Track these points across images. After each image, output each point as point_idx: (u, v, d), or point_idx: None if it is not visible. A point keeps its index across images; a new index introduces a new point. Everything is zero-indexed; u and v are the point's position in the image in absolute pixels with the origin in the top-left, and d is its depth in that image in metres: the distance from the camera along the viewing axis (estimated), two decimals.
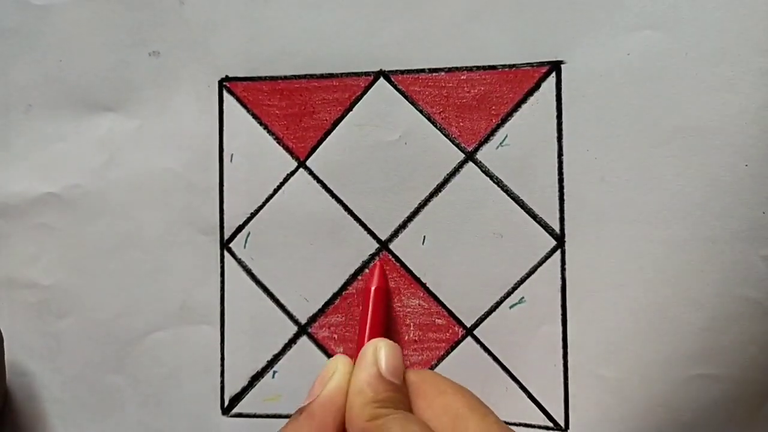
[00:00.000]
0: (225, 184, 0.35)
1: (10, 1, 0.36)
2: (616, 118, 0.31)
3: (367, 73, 0.34)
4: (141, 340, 0.35)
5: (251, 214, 0.35)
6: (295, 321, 0.34)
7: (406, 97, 0.33)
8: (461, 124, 0.33)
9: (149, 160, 0.35)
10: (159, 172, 0.35)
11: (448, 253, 0.33)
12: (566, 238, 0.32)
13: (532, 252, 0.32)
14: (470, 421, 0.28)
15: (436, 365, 0.33)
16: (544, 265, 0.32)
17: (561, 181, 0.32)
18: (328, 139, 0.34)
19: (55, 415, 0.36)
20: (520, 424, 0.32)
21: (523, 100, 0.32)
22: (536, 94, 0.32)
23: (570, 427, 0.32)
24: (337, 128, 0.34)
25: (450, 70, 0.33)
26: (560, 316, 0.32)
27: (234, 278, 0.35)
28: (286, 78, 0.34)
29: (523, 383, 0.32)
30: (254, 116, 0.35)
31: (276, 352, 0.34)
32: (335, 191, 0.34)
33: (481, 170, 0.33)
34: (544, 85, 0.32)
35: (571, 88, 0.32)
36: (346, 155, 0.34)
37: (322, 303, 0.34)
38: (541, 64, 0.32)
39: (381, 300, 0.32)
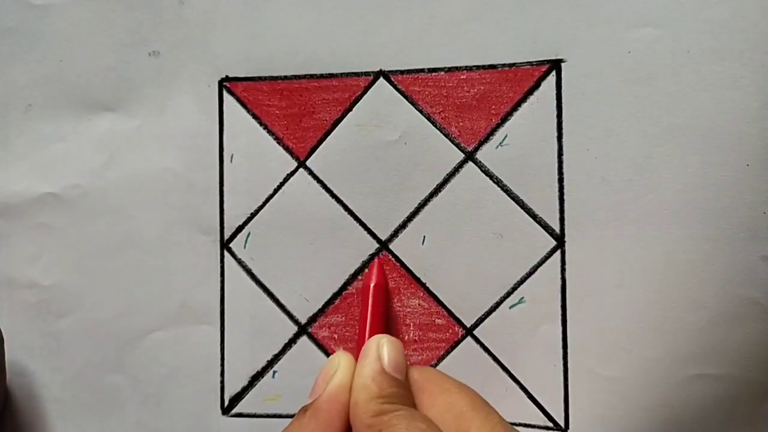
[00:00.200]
0: (225, 184, 0.35)
1: (10, 1, 0.36)
2: (617, 117, 0.31)
3: (366, 73, 0.34)
4: (141, 339, 0.35)
5: (251, 214, 0.35)
6: (295, 321, 0.34)
7: (405, 97, 0.33)
8: (461, 123, 0.33)
9: (149, 160, 0.35)
10: (159, 172, 0.35)
11: (448, 253, 0.33)
12: (566, 238, 0.32)
13: (532, 252, 0.32)
14: (473, 420, 0.28)
15: (436, 365, 0.33)
16: (544, 265, 0.32)
17: (561, 180, 0.32)
18: (328, 139, 0.34)
19: (55, 415, 0.36)
20: (520, 424, 0.32)
21: (523, 100, 0.32)
22: (536, 93, 0.32)
23: (570, 427, 0.32)
24: (337, 128, 0.34)
25: (450, 69, 0.33)
26: (560, 317, 0.32)
27: (234, 278, 0.35)
28: (286, 78, 0.34)
29: (523, 383, 0.32)
30: (254, 116, 0.35)
31: (276, 352, 0.34)
32: (335, 191, 0.34)
33: (481, 170, 0.33)
34: (544, 84, 0.32)
35: (571, 87, 0.32)
36: (346, 155, 0.34)
37: (322, 303, 0.34)
38: (541, 63, 0.32)
39: (381, 297, 0.32)
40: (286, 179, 0.34)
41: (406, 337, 0.33)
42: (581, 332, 0.31)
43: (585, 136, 0.31)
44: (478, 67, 0.33)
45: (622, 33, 0.31)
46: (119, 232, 0.35)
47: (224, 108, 0.35)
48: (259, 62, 0.34)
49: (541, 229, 0.32)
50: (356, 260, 0.34)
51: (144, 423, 0.35)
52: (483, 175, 0.33)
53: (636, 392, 0.30)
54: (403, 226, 0.33)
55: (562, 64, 0.32)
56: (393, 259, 0.34)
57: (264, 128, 0.35)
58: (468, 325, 0.33)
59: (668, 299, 0.30)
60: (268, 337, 0.34)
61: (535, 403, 0.32)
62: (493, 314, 0.33)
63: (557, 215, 0.32)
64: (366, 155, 0.34)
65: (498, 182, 0.32)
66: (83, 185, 0.36)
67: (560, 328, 0.32)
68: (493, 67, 0.32)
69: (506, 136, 0.32)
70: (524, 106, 0.32)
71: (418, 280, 0.33)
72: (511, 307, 0.32)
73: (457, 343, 0.33)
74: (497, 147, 0.32)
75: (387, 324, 0.33)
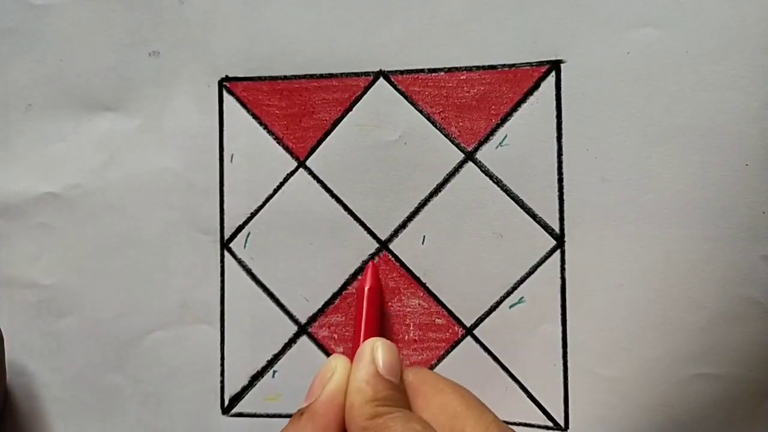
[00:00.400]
0: (225, 184, 0.35)
1: (10, 1, 0.36)
2: (616, 117, 0.31)
3: (366, 73, 0.34)
4: (141, 339, 0.35)
5: (251, 213, 0.35)
6: (295, 321, 0.34)
7: (405, 97, 0.33)
8: (461, 123, 0.33)
9: (149, 159, 0.35)
10: (159, 172, 0.35)
11: (448, 252, 0.33)
12: (566, 238, 0.32)
13: (531, 252, 0.32)
14: (467, 419, 0.28)
15: (436, 365, 0.33)
16: (543, 264, 0.32)
17: (561, 180, 0.32)
18: (327, 139, 0.34)
19: (55, 415, 0.36)
20: (520, 424, 0.32)
21: (523, 100, 0.32)
22: (536, 93, 0.32)
23: (570, 426, 0.32)
24: (336, 128, 0.34)
25: (449, 69, 0.33)
26: (560, 316, 0.32)
27: (234, 278, 0.35)
28: (286, 78, 0.34)
29: (523, 383, 0.32)
30: (254, 116, 0.35)
31: (276, 351, 0.35)
32: (335, 191, 0.34)
33: (481, 170, 0.33)
34: (543, 84, 0.32)
35: (570, 87, 0.32)
36: (346, 155, 0.34)
37: (322, 303, 0.34)
38: (541, 63, 0.32)
39: (375, 300, 0.32)
40: (286, 179, 0.34)
41: (406, 337, 0.34)
42: (581, 332, 0.31)
43: (585, 136, 0.31)
44: (478, 68, 0.33)
45: (622, 33, 0.31)
46: (119, 232, 0.35)
47: (224, 108, 0.35)
48: (259, 62, 0.34)
49: (541, 229, 0.32)
50: (356, 260, 0.34)
51: (144, 423, 0.35)
52: (483, 175, 0.33)
53: (636, 392, 0.30)
54: (403, 226, 0.33)
55: (562, 65, 0.32)
56: (393, 259, 0.34)
57: (264, 128, 0.35)
58: (468, 325, 0.33)
59: (668, 299, 0.30)
60: (268, 336, 0.34)
61: (535, 403, 0.32)
62: (493, 314, 0.33)
63: (557, 215, 0.32)
64: (366, 155, 0.34)
65: (498, 182, 0.32)
66: (83, 185, 0.36)
67: (560, 328, 0.32)
68: (492, 67, 0.32)
69: (506, 136, 0.32)
70: (524, 106, 0.32)
71: (418, 279, 0.33)
72: (510, 307, 0.32)
73: (457, 342, 0.33)
74: (497, 147, 0.32)
75: (382, 327, 0.33)
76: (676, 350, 0.30)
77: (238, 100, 0.35)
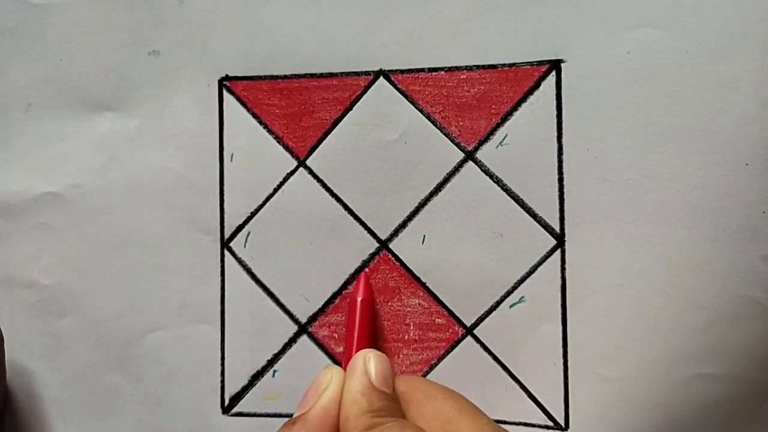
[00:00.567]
0: (225, 183, 0.35)
1: (10, 1, 0.36)
2: (616, 117, 0.31)
3: (367, 73, 0.34)
4: (141, 339, 0.35)
5: (251, 213, 0.35)
6: (296, 320, 0.34)
7: (406, 97, 0.33)
8: (461, 123, 0.33)
9: (149, 159, 0.35)
10: (159, 172, 0.35)
11: (448, 252, 0.33)
12: (566, 238, 0.32)
13: (532, 251, 0.32)
14: (461, 423, 0.28)
15: (436, 365, 0.33)
16: (544, 264, 0.32)
17: (561, 180, 0.32)
18: (328, 138, 0.34)
19: (55, 415, 0.36)
20: (520, 424, 0.32)
21: (523, 99, 0.32)
22: (536, 93, 0.32)
23: (570, 426, 0.32)
24: (337, 127, 0.34)
25: (450, 69, 0.33)
26: (560, 316, 0.32)
27: (234, 277, 0.35)
28: (286, 77, 0.34)
29: (523, 382, 0.32)
30: (254, 115, 0.35)
31: (276, 351, 0.35)
32: (335, 190, 0.34)
33: (481, 169, 0.33)
34: (543, 84, 0.32)
35: (571, 87, 0.32)
36: (346, 154, 0.34)
37: (323, 302, 0.34)
38: (541, 63, 0.32)
39: (367, 311, 0.32)
40: (286, 178, 0.34)
41: (406, 337, 0.34)
42: (581, 332, 0.31)
43: (585, 136, 0.31)
44: (478, 67, 0.33)
45: (622, 33, 0.31)
46: (119, 232, 0.36)
47: (224, 107, 0.35)
48: (259, 61, 0.34)
49: (541, 229, 0.32)
50: (356, 260, 0.34)
51: (144, 422, 0.35)
52: (483, 174, 0.33)
53: (636, 392, 0.30)
54: (403, 225, 0.33)
55: (562, 65, 0.32)
56: (393, 258, 0.34)
57: (264, 127, 0.35)
58: (468, 325, 0.33)
59: (668, 299, 0.30)
60: (269, 336, 0.35)
61: (535, 402, 0.32)
62: (493, 313, 0.33)
63: (557, 215, 0.32)
64: (366, 155, 0.34)
65: (498, 182, 0.32)
66: (83, 185, 0.36)
67: (560, 328, 0.32)
68: (493, 67, 0.32)
69: (506, 135, 0.32)
70: (524, 105, 0.32)
71: (418, 279, 0.33)
72: (511, 307, 0.32)
73: (458, 342, 0.33)
74: (497, 147, 0.32)
75: (374, 337, 0.33)
76: (676, 350, 0.30)
77: (238, 99, 0.35)
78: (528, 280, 0.32)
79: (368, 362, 0.29)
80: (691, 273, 0.30)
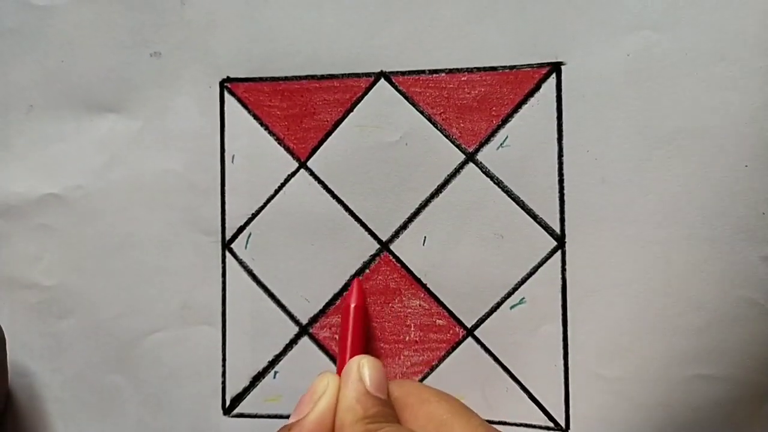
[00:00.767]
0: (226, 184, 0.35)
1: (11, 2, 0.36)
2: (616, 119, 0.31)
3: (367, 74, 0.34)
4: (142, 340, 0.35)
5: (252, 214, 0.35)
6: (296, 321, 0.34)
7: (406, 98, 0.33)
8: (462, 125, 0.33)
9: (150, 160, 0.35)
10: (160, 173, 0.35)
11: (449, 253, 0.33)
12: (566, 239, 0.32)
13: (532, 252, 0.32)
14: (454, 425, 0.28)
15: (437, 366, 0.33)
16: (544, 265, 0.32)
17: (561, 181, 0.32)
18: (328, 139, 0.34)
19: (56, 415, 0.36)
20: (520, 425, 0.32)
21: (524, 101, 0.32)
22: (536, 95, 0.32)
23: (571, 426, 0.32)
24: (338, 129, 0.34)
25: (450, 71, 0.33)
26: (560, 317, 0.32)
27: (235, 279, 0.35)
28: (287, 79, 0.34)
29: (524, 383, 0.32)
30: (255, 117, 0.35)
31: (277, 352, 0.35)
32: (336, 192, 0.34)
33: (482, 171, 0.33)
34: (544, 86, 0.32)
35: (571, 89, 0.32)
36: (347, 156, 0.34)
37: (323, 303, 0.34)
38: (541, 65, 0.32)
39: (360, 317, 0.32)
40: (287, 180, 0.34)
41: (407, 338, 0.34)
42: (582, 332, 0.31)
43: (585, 138, 0.32)
44: (478, 69, 0.33)
45: (622, 36, 0.31)
46: (120, 233, 0.36)
47: (225, 109, 0.35)
48: (260, 63, 0.35)
49: (542, 230, 0.32)
50: (357, 261, 0.34)
51: (144, 423, 0.35)
52: (484, 176, 0.33)
53: (636, 392, 0.30)
54: (404, 226, 0.33)
55: (562, 67, 0.32)
56: (394, 259, 0.34)
57: (265, 129, 0.35)
58: (469, 326, 0.33)
59: (668, 299, 0.30)
60: (269, 337, 0.35)
61: (535, 403, 0.32)
62: (494, 315, 0.33)
63: (557, 216, 0.32)
64: (367, 156, 0.34)
65: (498, 183, 0.33)
66: (85, 186, 0.36)
67: (561, 328, 0.32)
68: (493, 69, 0.33)
69: (507, 137, 0.32)
70: (525, 107, 0.32)
71: (418, 280, 0.33)
72: (511, 308, 0.32)
73: (458, 343, 0.33)
74: (498, 148, 0.33)
75: (367, 343, 0.33)
76: (676, 350, 0.30)
77: (240, 101, 0.35)
78: (528, 281, 0.32)
79: (362, 368, 0.29)
80: (691, 274, 0.30)
